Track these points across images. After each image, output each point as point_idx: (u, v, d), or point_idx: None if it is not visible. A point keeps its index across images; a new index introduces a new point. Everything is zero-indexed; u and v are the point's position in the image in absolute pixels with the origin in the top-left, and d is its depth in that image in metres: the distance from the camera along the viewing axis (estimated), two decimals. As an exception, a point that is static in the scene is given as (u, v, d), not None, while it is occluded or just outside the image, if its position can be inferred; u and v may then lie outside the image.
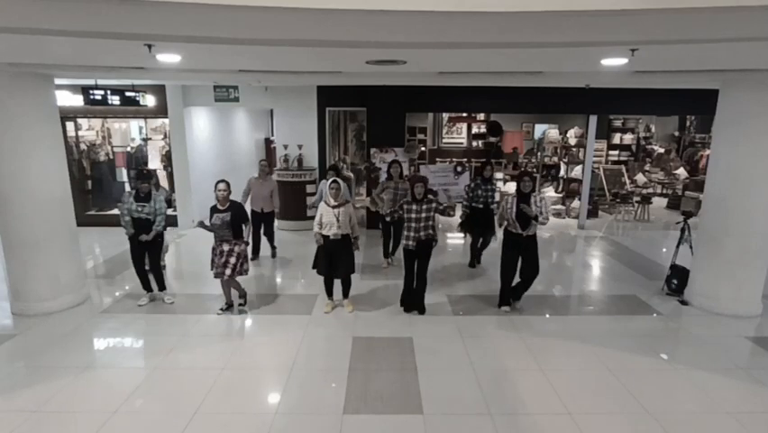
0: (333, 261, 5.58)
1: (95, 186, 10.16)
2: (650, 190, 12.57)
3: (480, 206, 7.22)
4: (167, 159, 9.82)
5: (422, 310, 5.73)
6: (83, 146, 9.93)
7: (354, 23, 2.85)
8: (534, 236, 5.52)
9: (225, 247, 5.47)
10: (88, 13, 2.65)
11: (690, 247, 6.28)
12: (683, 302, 6.10)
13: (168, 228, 6.60)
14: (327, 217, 5.44)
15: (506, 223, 5.57)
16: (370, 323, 5.48)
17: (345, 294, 5.87)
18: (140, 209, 5.62)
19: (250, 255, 6.44)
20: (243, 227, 5.61)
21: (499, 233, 5.86)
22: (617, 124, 14.64)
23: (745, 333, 5.36)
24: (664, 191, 13.15)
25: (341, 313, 5.75)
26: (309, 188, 9.40)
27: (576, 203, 10.88)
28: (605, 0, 2.38)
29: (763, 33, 2.97)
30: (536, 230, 5.50)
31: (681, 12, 2.42)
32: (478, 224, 7.25)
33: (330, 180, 5.59)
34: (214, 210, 5.49)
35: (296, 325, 5.43)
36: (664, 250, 8.49)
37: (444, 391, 4.17)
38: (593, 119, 11.53)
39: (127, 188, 10.38)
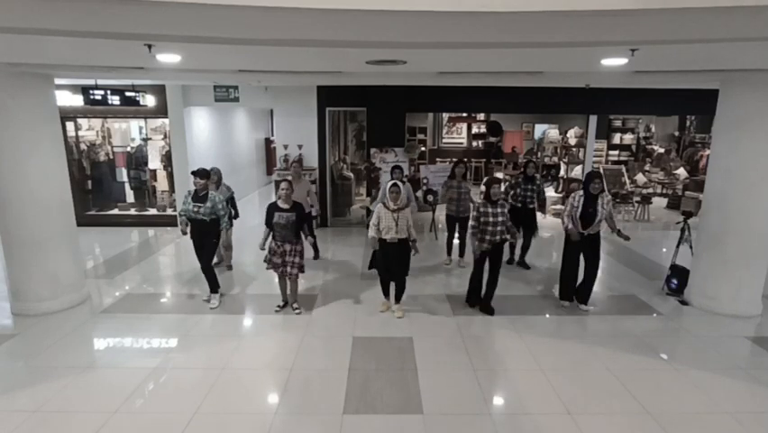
0: (389, 263, 5.54)
1: (95, 186, 10.17)
2: (650, 190, 12.57)
3: (519, 204, 7.08)
4: (167, 159, 9.82)
5: (491, 311, 5.69)
6: (83, 146, 9.94)
7: (354, 23, 2.84)
8: (598, 235, 5.59)
9: (288, 247, 5.43)
10: (88, 13, 2.65)
11: (690, 247, 6.28)
12: (683, 302, 6.10)
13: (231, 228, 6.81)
14: (386, 221, 5.32)
15: (569, 223, 5.55)
16: (371, 323, 5.48)
17: (398, 299, 5.73)
18: (195, 210, 5.43)
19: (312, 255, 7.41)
20: (305, 227, 5.58)
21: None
22: (617, 124, 14.67)
23: (745, 333, 5.36)
24: (664, 191, 13.16)
25: (341, 313, 5.75)
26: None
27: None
28: (605, 0, 2.38)
29: (763, 33, 2.97)
30: (599, 229, 5.54)
31: (681, 12, 2.42)
32: (516, 223, 6.54)
33: (390, 184, 5.42)
34: (275, 208, 5.36)
35: (296, 325, 5.43)
36: (664, 250, 8.48)
37: (444, 391, 4.17)
38: (593, 119, 11.59)
39: (127, 188, 10.41)
